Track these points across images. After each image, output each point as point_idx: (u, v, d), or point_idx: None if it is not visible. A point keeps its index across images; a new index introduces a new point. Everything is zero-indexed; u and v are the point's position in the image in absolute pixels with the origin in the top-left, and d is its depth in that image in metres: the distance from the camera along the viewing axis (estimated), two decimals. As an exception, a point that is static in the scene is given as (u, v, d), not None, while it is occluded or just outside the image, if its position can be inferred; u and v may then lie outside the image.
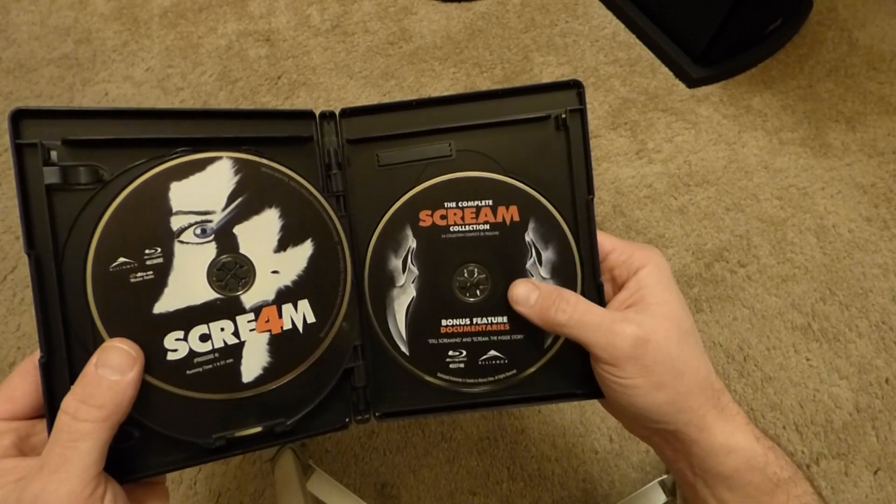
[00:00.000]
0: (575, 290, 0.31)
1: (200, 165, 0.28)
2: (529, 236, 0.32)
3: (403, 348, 0.32)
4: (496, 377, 0.32)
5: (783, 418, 0.60)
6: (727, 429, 0.27)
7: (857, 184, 0.72)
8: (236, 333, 0.28)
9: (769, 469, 0.27)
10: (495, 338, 0.32)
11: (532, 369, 0.32)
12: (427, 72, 0.78)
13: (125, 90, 0.76)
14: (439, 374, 0.32)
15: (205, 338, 0.28)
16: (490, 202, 0.32)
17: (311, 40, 0.81)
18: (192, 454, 0.27)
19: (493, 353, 0.32)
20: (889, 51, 0.81)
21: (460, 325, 0.32)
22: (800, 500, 0.26)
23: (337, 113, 0.33)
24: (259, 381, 0.29)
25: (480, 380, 0.32)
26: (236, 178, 0.29)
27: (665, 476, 0.52)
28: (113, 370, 0.23)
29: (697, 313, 0.64)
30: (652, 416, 0.27)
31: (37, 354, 0.25)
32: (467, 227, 0.32)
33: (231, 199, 0.29)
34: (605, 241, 0.32)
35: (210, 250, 0.28)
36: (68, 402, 0.22)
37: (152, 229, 0.27)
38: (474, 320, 0.32)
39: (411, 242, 0.32)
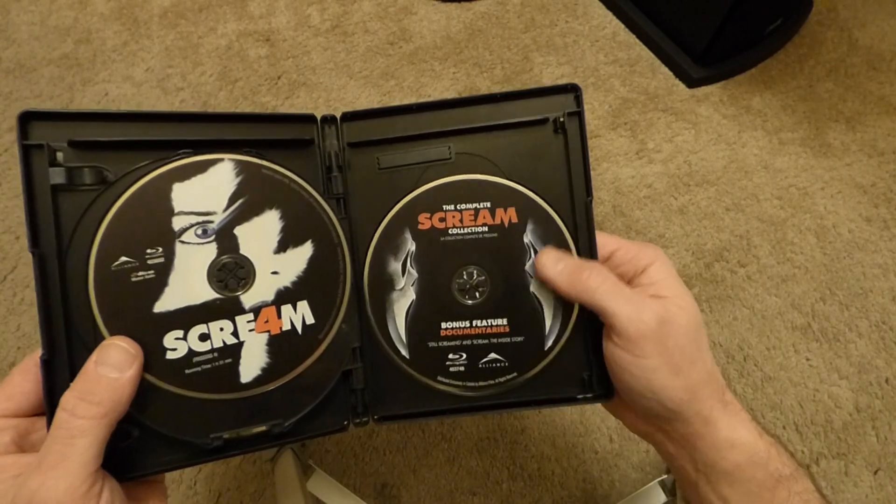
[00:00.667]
0: None
1: (202, 167, 0.29)
2: (528, 237, 0.32)
3: (403, 351, 0.32)
4: (497, 380, 0.32)
5: (783, 418, 0.60)
6: (731, 423, 0.27)
7: (857, 184, 0.72)
8: (235, 333, 0.28)
9: (771, 465, 0.27)
10: (495, 340, 0.32)
11: (533, 371, 0.32)
12: (427, 72, 0.78)
13: (125, 90, 0.76)
14: (439, 378, 0.32)
15: (204, 337, 0.28)
16: (488, 204, 0.32)
17: (311, 40, 0.81)
18: (190, 454, 0.28)
19: (493, 355, 0.32)
20: (889, 51, 0.81)
21: (460, 327, 0.32)
22: (801, 496, 0.26)
23: (338, 117, 0.33)
24: (258, 381, 0.29)
25: (481, 383, 0.32)
26: (237, 180, 0.29)
27: (665, 476, 0.52)
28: (112, 367, 0.23)
29: (697, 313, 0.64)
30: (666, 403, 0.27)
31: (38, 353, 0.25)
32: (466, 229, 0.32)
33: (232, 200, 0.29)
34: (608, 240, 0.32)
35: (211, 251, 0.28)
36: (67, 399, 0.22)
37: (154, 229, 0.27)
38: (474, 323, 0.32)
39: (410, 245, 0.32)
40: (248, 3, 0.83)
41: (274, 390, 0.29)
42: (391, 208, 0.32)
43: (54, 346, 0.25)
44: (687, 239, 0.68)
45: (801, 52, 0.81)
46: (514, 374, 0.32)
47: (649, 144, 0.74)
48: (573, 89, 0.32)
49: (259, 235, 0.29)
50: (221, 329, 0.28)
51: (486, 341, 0.32)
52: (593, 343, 0.31)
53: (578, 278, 0.28)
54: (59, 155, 0.26)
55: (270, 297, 0.29)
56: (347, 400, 0.32)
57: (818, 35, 0.82)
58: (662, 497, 0.51)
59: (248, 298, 0.29)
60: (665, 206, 0.70)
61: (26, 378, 0.25)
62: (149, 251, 0.27)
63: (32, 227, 0.25)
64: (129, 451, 0.26)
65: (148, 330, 0.26)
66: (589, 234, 0.32)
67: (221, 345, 0.28)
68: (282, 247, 0.30)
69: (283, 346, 0.29)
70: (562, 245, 0.32)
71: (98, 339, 0.26)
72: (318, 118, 0.32)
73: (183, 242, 0.28)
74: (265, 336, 0.29)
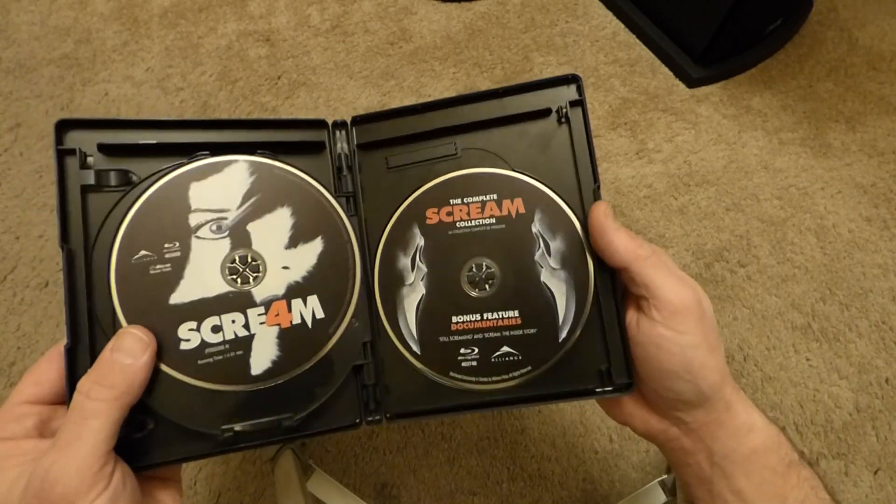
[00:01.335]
0: (587, 281, 0.31)
1: (218, 168, 0.30)
2: (536, 227, 0.32)
3: (415, 347, 0.32)
4: (510, 374, 0.31)
5: (783, 418, 0.60)
6: (747, 407, 0.28)
7: (857, 184, 0.72)
8: (247, 326, 0.29)
9: (782, 450, 0.27)
10: (507, 333, 0.31)
11: (548, 365, 0.31)
12: (427, 72, 0.78)
13: (125, 90, 0.76)
14: (451, 374, 0.32)
15: (216, 329, 0.29)
16: (495, 196, 0.32)
17: (311, 40, 0.81)
18: (203, 446, 0.28)
19: (505, 349, 0.31)
20: (889, 51, 0.81)
21: (471, 321, 0.32)
22: (809, 483, 0.26)
23: (349, 122, 0.34)
24: (268, 374, 0.29)
25: (494, 378, 0.31)
26: (251, 179, 0.31)
27: (665, 476, 0.52)
28: (126, 354, 0.24)
29: (697, 313, 0.64)
30: (701, 384, 0.27)
31: (64, 341, 0.26)
32: (473, 222, 0.32)
33: (246, 198, 0.30)
34: (629, 244, 0.30)
35: (225, 246, 0.30)
36: (83, 383, 0.23)
37: (172, 225, 0.29)
38: (485, 316, 0.32)
39: (419, 240, 0.33)
40: (248, 3, 0.83)
41: (284, 383, 0.30)
42: (400, 205, 0.33)
43: (77, 336, 0.26)
44: (687, 239, 0.68)
45: (801, 52, 0.81)
46: (529, 367, 0.31)
47: (649, 144, 0.74)
48: (574, 79, 0.32)
49: (271, 231, 0.31)
50: (233, 321, 0.29)
51: (497, 334, 0.32)
52: (611, 333, 0.30)
53: (635, 242, 0.28)
54: (90, 159, 0.28)
55: (281, 291, 0.30)
56: (359, 396, 0.32)
57: (818, 35, 0.82)
58: (662, 497, 0.51)
59: (260, 292, 0.30)
60: (665, 206, 0.70)
61: (52, 366, 0.26)
62: (167, 245, 0.28)
63: (63, 224, 0.27)
64: (144, 442, 0.27)
65: (163, 320, 0.28)
66: None
67: (233, 337, 0.29)
68: (292, 242, 0.31)
69: (293, 340, 0.30)
70: (571, 233, 0.32)
71: (116, 328, 0.27)
72: (330, 123, 0.34)
73: (199, 238, 0.29)
74: (276, 329, 0.30)
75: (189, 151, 0.30)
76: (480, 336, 0.32)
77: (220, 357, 0.28)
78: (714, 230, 0.69)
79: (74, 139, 0.28)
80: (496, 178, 0.32)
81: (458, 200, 0.33)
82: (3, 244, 0.67)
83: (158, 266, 0.28)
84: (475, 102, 0.33)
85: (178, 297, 0.28)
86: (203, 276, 0.29)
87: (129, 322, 0.27)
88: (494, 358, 0.31)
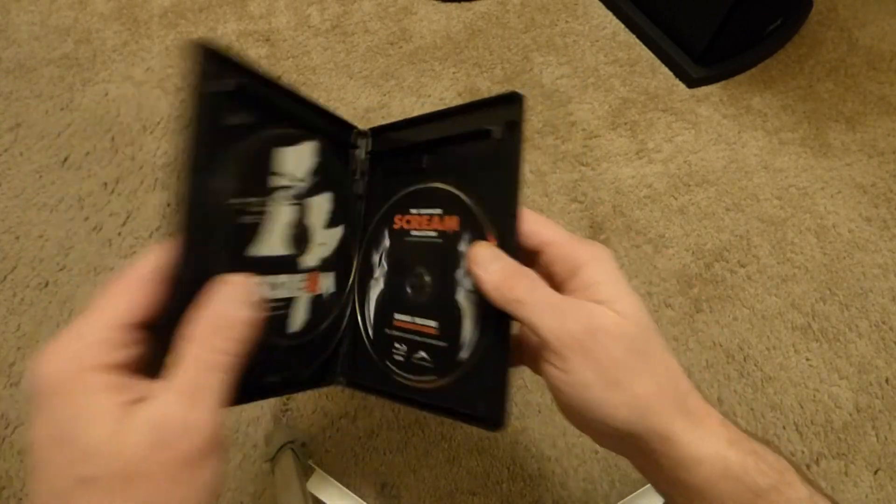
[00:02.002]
0: (493, 310, 0.30)
1: (297, 139, 0.33)
2: (462, 247, 0.32)
3: (370, 332, 0.36)
4: (422, 377, 0.33)
5: (783, 418, 0.60)
6: (696, 436, 0.24)
7: (857, 184, 0.72)
8: (292, 289, 0.32)
9: (747, 478, 0.24)
10: (426, 340, 0.33)
11: (447, 380, 0.32)
12: (427, 72, 0.78)
13: (125, 90, 0.76)
14: (387, 362, 0.35)
15: (273, 286, 0.31)
16: (440, 211, 0.34)
17: (311, 40, 0.81)
18: (240, 395, 0.28)
19: (422, 353, 0.33)
20: (889, 51, 0.81)
21: (406, 321, 0.34)
22: None
23: (369, 132, 0.38)
24: (298, 333, 0.33)
25: (410, 376, 0.34)
26: (316, 159, 0.34)
27: (665, 476, 0.52)
28: (243, 305, 0.23)
29: (697, 313, 0.64)
30: (608, 422, 0.24)
31: (147, 264, 0.23)
32: (422, 232, 0.35)
33: (310, 174, 0.34)
34: (544, 230, 0.28)
35: (291, 212, 0.32)
36: (201, 332, 0.21)
37: (260, 182, 0.31)
38: (415, 319, 0.34)
39: (386, 242, 0.36)
40: (248, 3, 0.83)
41: (304, 342, 0.33)
42: (381, 208, 0.37)
43: (189, 264, 0.24)
44: (687, 239, 0.68)
45: (801, 52, 0.81)
46: (434, 376, 0.33)
47: (649, 144, 0.74)
48: (514, 99, 0.30)
49: (318, 210, 0.34)
50: (284, 283, 0.32)
51: (419, 339, 0.34)
52: (494, 365, 0.30)
53: (504, 288, 0.26)
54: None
55: (316, 263, 0.34)
56: (337, 362, 0.37)
57: (818, 35, 0.82)
58: (662, 497, 0.51)
59: (303, 261, 0.33)
60: (665, 206, 0.70)
61: (144, 288, 0.22)
62: (253, 199, 0.30)
63: (195, 151, 0.25)
64: None
65: (233, 270, 0.27)
66: (513, 251, 0.30)
67: (282, 295, 0.32)
68: (329, 224, 0.35)
69: (315, 307, 0.34)
70: None
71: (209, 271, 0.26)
72: (355, 132, 0.38)
73: (274, 200, 0.31)
74: (310, 296, 0.34)
75: (283, 120, 0.32)
76: (409, 336, 0.34)
77: (270, 313, 0.31)
78: (714, 230, 0.69)
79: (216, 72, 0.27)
80: (445, 194, 0.34)
81: (416, 211, 0.35)
82: (3, 244, 0.67)
83: (247, 217, 0.29)
84: (437, 121, 0.35)
85: (254, 250, 0.30)
86: (273, 237, 0.31)
87: (212, 266, 0.25)
88: (414, 359, 0.34)
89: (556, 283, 0.28)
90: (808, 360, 0.62)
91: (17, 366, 0.61)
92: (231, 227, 0.28)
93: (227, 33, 0.81)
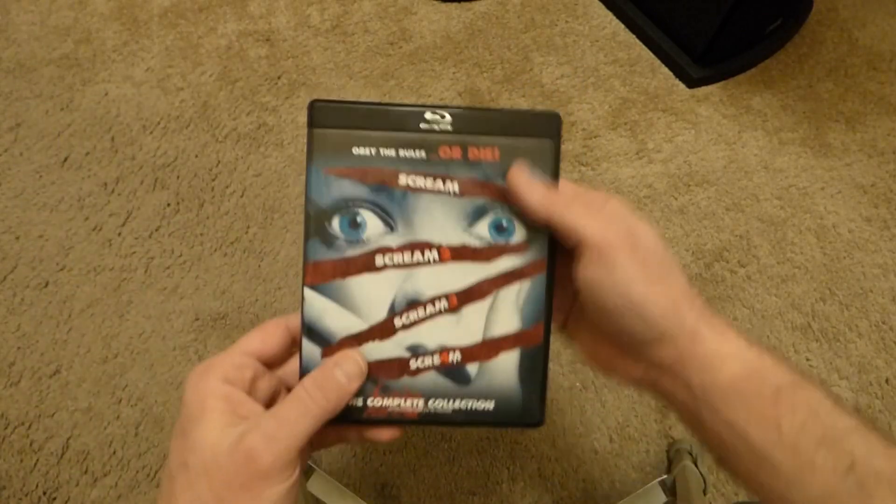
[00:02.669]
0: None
1: None
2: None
3: None
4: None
5: (783, 418, 0.60)
6: (719, 334, 0.26)
7: (857, 184, 0.72)
8: None
9: (767, 374, 0.26)
10: None
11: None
12: (427, 72, 0.78)
13: (125, 90, 0.76)
14: None
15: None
16: None
17: (311, 40, 0.81)
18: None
19: None
20: (889, 51, 0.81)
21: None
22: (808, 405, 0.25)
23: None
24: None
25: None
26: None
27: (665, 476, 0.52)
28: (346, 375, 0.27)
29: (697, 313, 0.64)
30: (648, 316, 0.26)
31: (290, 319, 0.28)
32: None
33: None
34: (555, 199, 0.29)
35: None
36: (309, 384, 0.26)
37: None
38: None
39: None
40: (248, 3, 0.83)
41: None
42: None
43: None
44: (687, 239, 0.68)
45: (801, 52, 0.81)
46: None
47: (649, 144, 0.74)
48: (552, 118, 0.29)
49: None
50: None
51: None
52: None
53: (548, 198, 0.28)
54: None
55: None
56: None
57: (818, 35, 0.82)
58: (662, 497, 0.51)
59: None
60: (665, 206, 0.70)
61: (279, 332, 0.28)
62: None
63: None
64: None
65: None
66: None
67: None
68: None
69: None
70: None
71: None
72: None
73: None
74: None
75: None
76: None
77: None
78: (714, 230, 0.69)
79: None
80: None
81: None
82: (3, 244, 0.67)
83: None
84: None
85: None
86: None
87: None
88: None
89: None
90: (808, 359, 0.62)
91: (17, 366, 0.61)
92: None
93: (227, 33, 0.81)
